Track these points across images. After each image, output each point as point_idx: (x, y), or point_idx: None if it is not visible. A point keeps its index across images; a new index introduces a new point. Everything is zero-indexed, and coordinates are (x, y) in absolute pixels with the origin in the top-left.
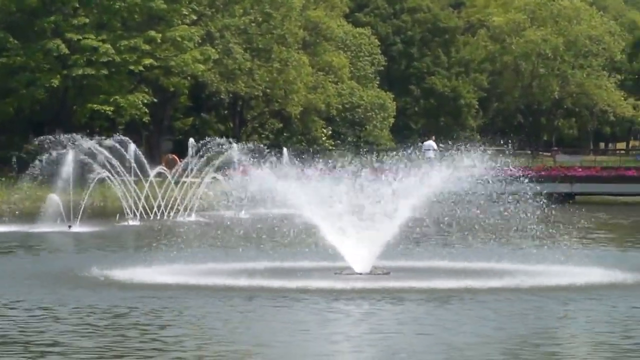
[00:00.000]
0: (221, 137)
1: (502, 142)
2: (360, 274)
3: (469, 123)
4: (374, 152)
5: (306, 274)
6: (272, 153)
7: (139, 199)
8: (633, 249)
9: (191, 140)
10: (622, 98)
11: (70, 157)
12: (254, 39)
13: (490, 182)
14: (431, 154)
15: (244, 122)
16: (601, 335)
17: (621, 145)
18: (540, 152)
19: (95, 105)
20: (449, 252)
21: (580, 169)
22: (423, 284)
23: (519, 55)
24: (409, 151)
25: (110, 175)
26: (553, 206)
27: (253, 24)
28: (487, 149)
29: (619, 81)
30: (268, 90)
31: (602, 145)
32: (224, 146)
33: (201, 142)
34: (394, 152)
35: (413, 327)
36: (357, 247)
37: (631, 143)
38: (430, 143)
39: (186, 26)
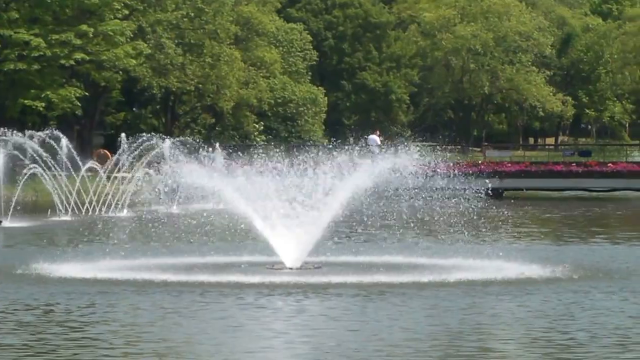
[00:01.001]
0: (153, 132)
1: (432, 138)
2: (292, 268)
3: (399, 118)
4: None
5: (238, 269)
6: (205, 148)
7: (71, 194)
8: (563, 244)
9: (122, 135)
10: (551, 93)
11: (0, 152)
12: (186, 34)
13: (421, 177)
14: (375, 148)
15: (176, 117)
16: (535, 331)
17: (550, 140)
18: (470, 148)
19: (26, 101)
20: (380, 247)
21: (509, 164)
22: (355, 278)
23: (450, 51)
24: (351, 146)
25: (41, 169)
26: (482, 201)
27: (185, 19)
28: (418, 144)
29: (548, 77)
30: (200, 85)
31: (531, 140)
32: (155, 141)
33: (132, 137)
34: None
35: (345, 322)
36: (289, 242)
37: (560, 138)
38: (374, 137)
39: (118, 21)
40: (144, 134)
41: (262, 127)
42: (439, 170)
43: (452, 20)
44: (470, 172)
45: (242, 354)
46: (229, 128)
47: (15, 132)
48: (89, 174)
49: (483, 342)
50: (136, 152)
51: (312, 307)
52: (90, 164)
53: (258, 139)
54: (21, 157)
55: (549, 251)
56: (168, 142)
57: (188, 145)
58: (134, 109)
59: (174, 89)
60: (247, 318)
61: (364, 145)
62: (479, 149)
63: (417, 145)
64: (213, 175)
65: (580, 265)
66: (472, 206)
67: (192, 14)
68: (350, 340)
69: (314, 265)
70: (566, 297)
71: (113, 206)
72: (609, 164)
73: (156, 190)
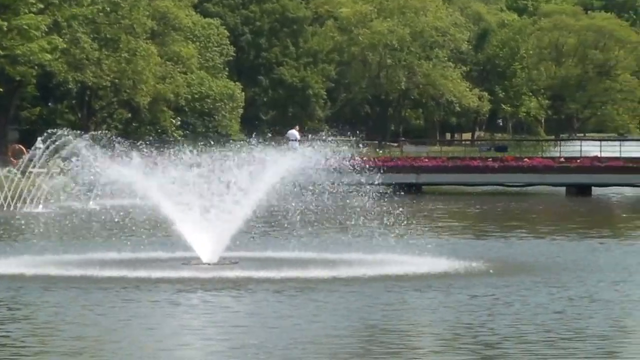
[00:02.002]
0: (70, 127)
1: (349, 133)
2: (208, 264)
3: (317, 113)
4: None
5: (154, 264)
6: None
7: None
8: (484, 238)
9: (39, 139)
10: (468, 89)
11: None
12: (102, 28)
13: (339, 172)
14: (295, 144)
15: (93, 112)
16: (458, 326)
17: (467, 135)
18: (388, 143)
19: None
20: (297, 243)
21: (426, 160)
22: (272, 274)
23: (367, 46)
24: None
25: None
26: (400, 196)
27: (101, 14)
28: (335, 140)
29: (464, 72)
30: (116, 80)
31: (448, 135)
32: (70, 136)
33: (47, 132)
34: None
35: (263, 318)
36: (206, 237)
37: (476, 133)
38: (294, 132)
39: (33, 15)
40: (60, 128)
41: (179, 122)
42: (356, 165)
43: (369, 15)
44: (388, 167)
45: (158, 351)
46: (145, 123)
47: None
48: (6, 169)
49: (403, 338)
50: (52, 148)
51: (230, 303)
52: (5, 159)
53: (175, 134)
54: None
55: (470, 246)
56: (84, 137)
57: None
58: (49, 103)
59: (90, 84)
60: (163, 315)
61: (283, 140)
62: (396, 144)
63: (335, 141)
64: (130, 170)
65: (503, 260)
66: (390, 201)
67: (108, 9)
68: (268, 336)
69: (230, 260)
70: (489, 292)
71: (29, 202)
72: (524, 159)
73: (72, 185)
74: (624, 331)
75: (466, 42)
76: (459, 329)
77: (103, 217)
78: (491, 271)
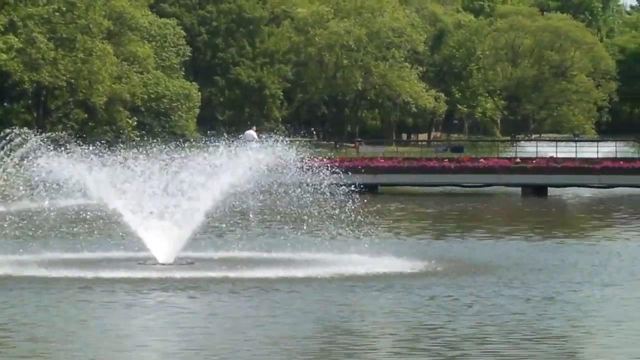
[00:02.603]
0: (26, 126)
1: (306, 133)
2: (164, 264)
3: (274, 114)
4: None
5: (110, 264)
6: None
7: None
8: (437, 239)
9: None
10: (424, 89)
11: None
12: (58, 28)
13: (295, 172)
14: (253, 144)
15: (49, 112)
16: (418, 328)
17: (423, 136)
18: (344, 143)
19: None
20: (254, 243)
21: (383, 160)
22: (228, 274)
23: (323, 47)
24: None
25: None
26: (357, 197)
27: (57, 13)
28: (292, 140)
29: (421, 73)
30: (72, 80)
31: (404, 136)
32: (25, 136)
33: (3, 132)
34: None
35: (219, 319)
36: (161, 237)
37: (433, 134)
38: (251, 133)
39: None
40: (16, 128)
41: (135, 123)
42: (313, 165)
43: (326, 16)
44: (344, 167)
45: (113, 352)
46: (102, 123)
47: None
48: None
49: (363, 339)
50: (7, 147)
51: (186, 304)
52: None
53: (132, 134)
54: None
55: (429, 246)
56: (40, 137)
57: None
58: (5, 103)
59: (45, 84)
60: (119, 316)
61: (240, 140)
62: (352, 145)
63: (292, 141)
64: (86, 170)
65: (462, 260)
66: (347, 201)
67: (64, 8)
68: (225, 337)
69: (186, 260)
70: (449, 292)
71: None
72: (481, 160)
73: (26, 185)
74: (584, 332)
75: (423, 43)
76: (419, 330)
77: (59, 217)
78: (451, 272)
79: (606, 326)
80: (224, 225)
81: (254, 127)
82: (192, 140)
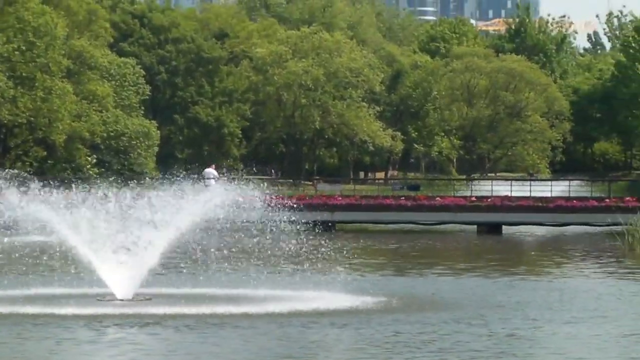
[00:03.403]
0: None
1: (260, 172)
2: (123, 300)
3: (232, 152)
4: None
5: (68, 300)
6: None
7: None
8: (396, 276)
9: None
10: (381, 129)
11: None
12: (18, 66)
13: (253, 210)
14: (212, 182)
15: (8, 149)
16: None
17: (380, 174)
18: (302, 181)
19: None
20: (212, 279)
21: (340, 198)
22: (186, 310)
23: (281, 86)
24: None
25: None
26: (314, 234)
27: (17, 52)
28: (250, 178)
29: (378, 112)
30: (32, 118)
31: (362, 174)
32: None
33: None
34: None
35: (176, 356)
36: (120, 273)
37: (390, 172)
38: (211, 170)
39: None
40: None
41: (94, 160)
42: (271, 203)
43: (284, 56)
44: (303, 205)
45: None
46: (61, 161)
47: None
48: None
49: None
50: None
51: (143, 340)
52: None
53: (91, 172)
54: None
55: (387, 283)
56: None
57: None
58: None
59: (5, 122)
60: (77, 352)
61: (200, 178)
62: (310, 183)
63: (251, 179)
64: (44, 207)
65: (423, 296)
66: (305, 239)
67: (24, 47)
68: None
69: (145, 297)
70: (409, 328)
71: None
72: (437, 198)
73: None
74: None
75: (380, 83)
76: None
77: (16, 254)
78: (411, 308)
79: None
80: (183, 262)
81: (213, 165)
82: (151, 177)
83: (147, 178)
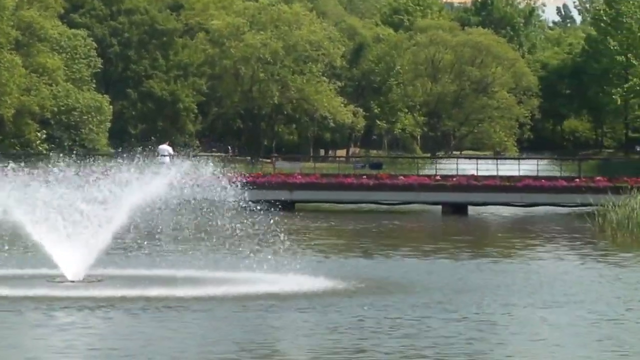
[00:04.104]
0: None
1: (221, 148)
2: (73, 281)
3: (187, 128)
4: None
5: (17, 281)
6: None
7: None
8: (359, 257)
9: None
10: (342, 104)
11: None
12: None
13: (209, 188)
14: (166, 158)
15: None
16: (337, 349)
17: (341, 152)
18: (260, 159)
19: None
20: (167, 261)
21: (299, 176)
22: (139, 292)
23: (239, 60)
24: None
25: None
26: (273, 213)
27: None
28: (206, 155)
29: (339, 87)
30: None
31: (322, 152)
32: None
33: None
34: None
35: (128, 339)
36: (70, 254)
37: (351, 150)
38: (165, 147)
39: None
40: None
41: (44, 136)
42: (227, 181)
43: (242, 28)
44: (260, 183)
45: None
46: (9, 136)
47: None
48: None
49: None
50: None
51: (94, 323)
52: None
53: (40, 147)
54: None
55: (350, 265)
56: None
57: None
58: None
59: None
60: (25, 335)
61: (154, 155)
62: (269, 160)
63: (207, 156)
64: None
65: (388, 279)
66: (263, 219)
67: None
68: (136, 355)
69: (96, 278)
70: (376, 313)
71: None
72: (400, 177)
73: None
74: (514, 354)
75: (341, 57)
76: (342, 352)
77: None
78: (375, 291)
79: (547, 350)
80: (137, 242)
81: (168, 142)
82: (102, 154)
83: (99, 155)
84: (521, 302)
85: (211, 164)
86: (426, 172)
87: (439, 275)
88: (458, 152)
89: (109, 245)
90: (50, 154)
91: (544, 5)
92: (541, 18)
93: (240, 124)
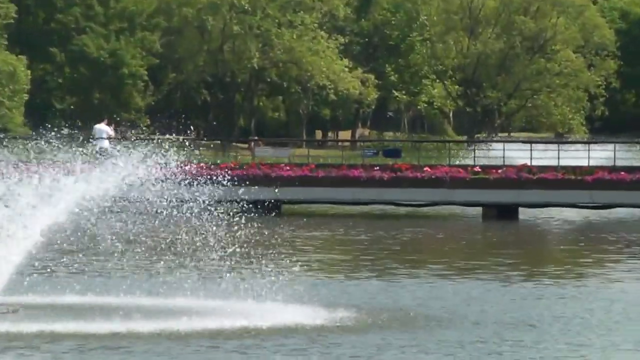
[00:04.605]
0: None
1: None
2: None
3: (134, 101)
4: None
5: None
6: None
7: None
8: (367, 279)
9: None
10: (347, 69)
11: None
12: None
13: (165, 185)
14: (105, 143)
15: None
16: None
17: (345, 134)
18: (235, 143)
19: None
20: (108, 283)
21: (288, 168)
22: (66, 326)
23: (205, 8)
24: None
25: None
26: (252, 219)
27: None
28: (160, 138)
29: (342, 45)
30: None
31: (319, 134)
32: None
33: None
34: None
35: None
36: None
37: (359, 132)
38: (103, 127)
39: None
40: None
41: None
42: (190, 175)
43: None
44: (236, 177)
45: None
46: None
47: None
48: None
49: None
50: None
51: None
52: None
53: None
54: None
55: (355, 289)
56: None
57: None
58: None
59: None
60: None
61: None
62: (246, 146)
63: (161, 140)
64: None
65: (407, 308)
66: (239, 226)
67: None
68: None
69: (10, 307)
70: (387, 353)
71: None
72: (425, 168)
73: None
74: None
75: (345, 4)
76: None
77: None
78: (391, 325)
79: None
80: (66, 258)
81: (106, 120)
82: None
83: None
84: (599, 342)
85: (166, 151)
86: (461, 161)
87: (481, 304)
88: (505, 135)
89: (28, 264)
90: None
91: None
92: None
93: (207, 96)
